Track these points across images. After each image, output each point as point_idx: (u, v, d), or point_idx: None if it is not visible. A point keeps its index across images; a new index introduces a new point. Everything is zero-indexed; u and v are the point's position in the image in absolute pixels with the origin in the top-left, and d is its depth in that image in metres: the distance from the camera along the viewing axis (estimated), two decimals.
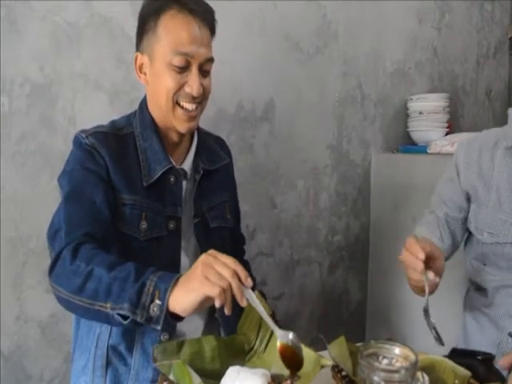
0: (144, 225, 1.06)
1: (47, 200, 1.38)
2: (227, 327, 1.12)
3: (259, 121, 1.74)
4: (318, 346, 0.95)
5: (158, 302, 0.80)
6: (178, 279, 0.82)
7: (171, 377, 0.82)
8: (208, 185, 1.18)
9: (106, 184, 1.03)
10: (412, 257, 0.89)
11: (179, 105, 1.07)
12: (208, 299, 0.79)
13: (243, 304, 0.80)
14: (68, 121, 1.41)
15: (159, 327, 0.81)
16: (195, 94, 1.05)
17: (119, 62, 1.47)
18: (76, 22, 1.40)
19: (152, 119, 1.12)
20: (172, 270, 0.87)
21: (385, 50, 2.02)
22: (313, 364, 0.84)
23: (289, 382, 0.79)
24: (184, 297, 0.80)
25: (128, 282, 0.83)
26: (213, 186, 1.20)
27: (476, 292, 1.14)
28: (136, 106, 1.53)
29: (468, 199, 1.16)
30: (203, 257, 0.82)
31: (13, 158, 1.34)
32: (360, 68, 1.96)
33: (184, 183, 1.14)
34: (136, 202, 1.06)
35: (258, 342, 0.98)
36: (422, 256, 0.88)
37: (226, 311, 0.79)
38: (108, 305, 0.83)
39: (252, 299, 0.82)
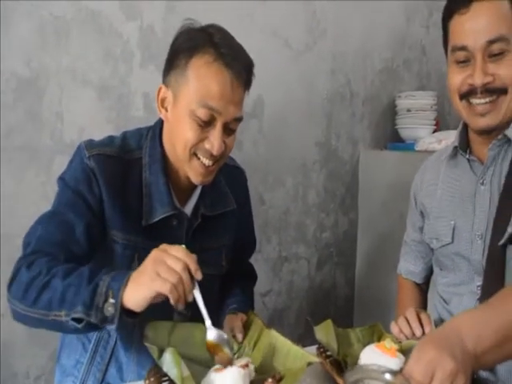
0: (136, 266, 0.99)
1: (33, 196, 1.36)
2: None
3: (248, 117, 1.74)
4: (305, 341, 0.96)
5: (111, 300, 0.80)
6: (130, 277, 0.82)
7: (157, 359, 0.83)
8: (206, 227, 1.11)
9: (93, 216, 0.98)
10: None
11: (196, 156, 1.00)
12: (161, 294, 0.79)
13: (189, 299, 0.81)
14: (55, 116, 1.40)
15: (114, 326, 0.81)
16: (215, 152, 0.98)
17: (107, 57, 1.46)
18: (63, 15, 1.38)
19: (163, 154, 1.05)
20: (164, 309, 0.86)
21: (373, 47, 2.02)
22: (300, 361, 0.85)
23: (270, 380, 0.80)
24: (136, 293, 0.80)
25: (82, 287, 0.83)
26: (211, 229, 1.12)
27: (437, 293, 1.20)
28: (124, 102, 1.52)
29: (424, 218, 1.23)
30: (154, 252, 0.83)
31: None
32: (349, 65, 1.97)
33: (185, 224, 1.08)
34: (130, 243, 1.02)
35: (246, 341, 0.99)
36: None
37: (179, 306, 0.81)
38: (62, 312, 0.83)
39: (196, 294, 0.84)
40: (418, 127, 1.94)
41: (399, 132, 2.02)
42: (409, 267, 1.30)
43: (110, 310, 0.80)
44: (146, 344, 0.86)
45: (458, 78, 1.02)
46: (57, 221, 0.97)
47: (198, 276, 0.82)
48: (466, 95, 1.01)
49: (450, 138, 1.74)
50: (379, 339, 1.00)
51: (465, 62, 1.00)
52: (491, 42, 0.96)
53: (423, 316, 1.04)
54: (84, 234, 0.96)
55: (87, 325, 0.82)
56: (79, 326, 0.82)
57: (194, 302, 0.85)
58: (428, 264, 1.27)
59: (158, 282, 0.78)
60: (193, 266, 0.81)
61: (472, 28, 0.97)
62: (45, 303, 0.84)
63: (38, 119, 1.38)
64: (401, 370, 0.79)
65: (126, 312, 0.81)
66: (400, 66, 2.12)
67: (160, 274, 0.79)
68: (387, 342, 0.88)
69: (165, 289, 0.78)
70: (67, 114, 1.41)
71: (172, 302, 0.79)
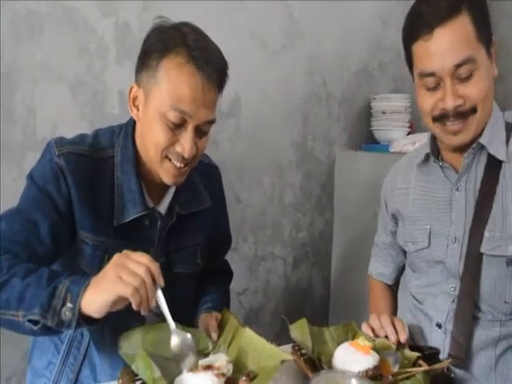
0: None
1: (4, 192, 1.33)
2: None
3: (225, 117, 1.74)
4: (281, 340, 0.96)
5: (69, 305, 0.79)
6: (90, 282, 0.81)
7: (134, 367, 0.82)
8: (181, 226, 1.10)
9: (60, 217, 0.96)
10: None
11: (168, 158, 0.98)
12: (122, 299, 0.78)
13: (152, 304, 0.80)
14: (28, 112, 1.37)
15: (72, 330, 0.81)
16: (186, 155, 0.96)
17: (82, 53, 1.44)
18: (37, 10, 1.36)
19: (135, 152, 1.03)
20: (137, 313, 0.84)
21: (349, 50, 2.05)
22: (274, 359, 0.86)
23: (244, 378, 0.80)
24: (96, 298, 0.79)
25: (40, 288, 0.81)
26: (186, 227, 1.11)
27: (410, 294, 1.22)
28: (99, 98, 1.49)
29: (396, 222, 1.24)
30: (116, 257, 0.81)
31: None
32: (325, 67, 1.98)
33: (158, 223, 1.06)
34: (100, 244, 1.00)
35: (221, 341, 0.99)
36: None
37: (142, 311, 0.79)
38: (20, 313, 0.81)
39: (159, 299, 0.83)
40: (392, 129, 1.97)
41: (374, 133, 2.04)
42: (379, 268, 1.31)
43: (67, 314, 0.79)
44: (121, 353, 0.85)
45: (429, 103, 1.02)
46: (21, 218, 0.94)
47: (161, 282, 0.81)
48: (439, 118, 1.01)
49: (424, 140, 1.77)
50: (353, 337, 1.01)
51: (435, 87, 1.00)
52: (458, 66, 0.95)
53: (397, 322, 1.04)
54: (49, 234, 0.94)
55: (43, 327, 0.80)
56: (35, 327, 0.80)
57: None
58: (399, 265, 1.28)
59: (119, 285, 0.77)
60: (155, 272, 0.80)
61: (437, 53, 0.97)
62: (3, 302, 0.83)
63: (10, 115, 1.35)
64: (366, 372, 0.81)
65: (84, 317, 0.80)
66: (375, 68, 2.14)
67: (122, 277, 0.77)
68: (361, 340, 0.90)
69: (127, 292, 0.77)
70: (40, 110, 1.38)
71: (134, 306, 0.78)
